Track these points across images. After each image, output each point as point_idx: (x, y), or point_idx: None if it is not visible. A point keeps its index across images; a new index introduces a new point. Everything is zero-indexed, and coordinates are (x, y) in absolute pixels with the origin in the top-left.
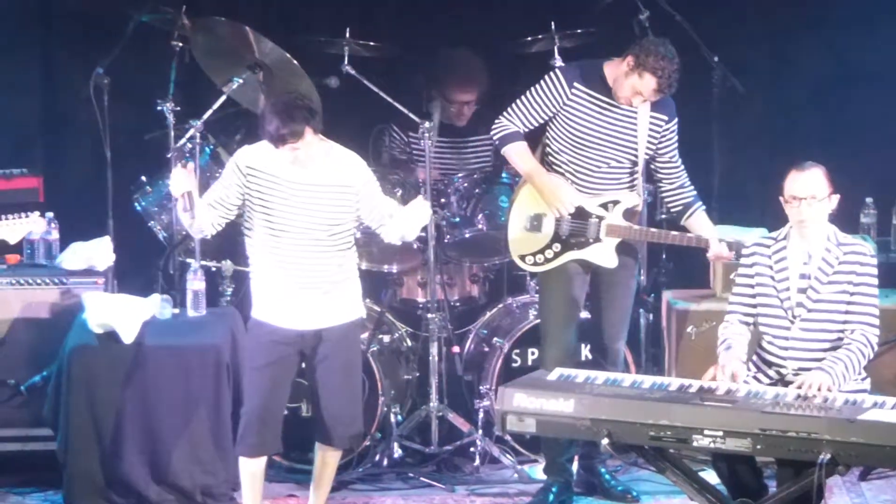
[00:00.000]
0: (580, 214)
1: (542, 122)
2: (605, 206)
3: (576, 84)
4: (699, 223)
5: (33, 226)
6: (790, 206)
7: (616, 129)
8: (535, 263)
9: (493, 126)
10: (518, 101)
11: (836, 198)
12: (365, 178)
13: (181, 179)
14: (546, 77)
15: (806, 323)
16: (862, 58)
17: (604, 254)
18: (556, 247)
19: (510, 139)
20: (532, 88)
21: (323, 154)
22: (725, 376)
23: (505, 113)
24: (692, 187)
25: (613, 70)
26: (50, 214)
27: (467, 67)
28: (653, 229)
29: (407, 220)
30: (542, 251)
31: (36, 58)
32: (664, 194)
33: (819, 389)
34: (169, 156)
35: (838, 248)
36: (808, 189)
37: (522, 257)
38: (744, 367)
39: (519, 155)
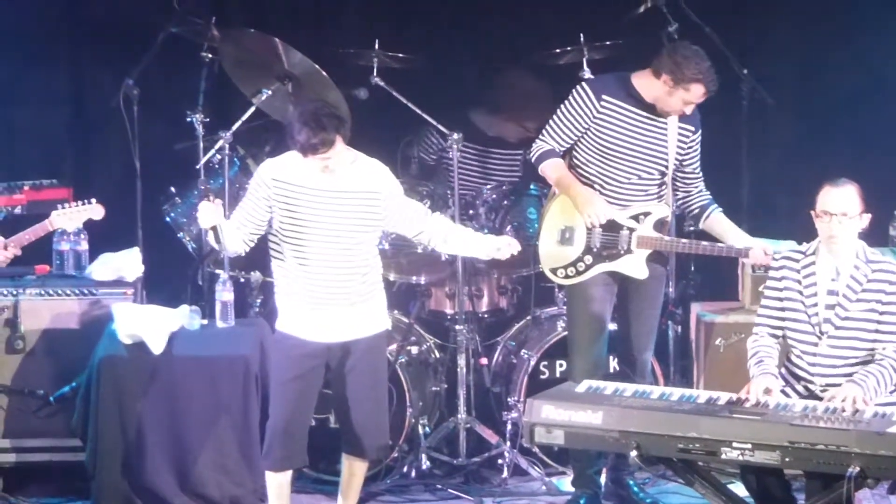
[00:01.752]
0: (611, 226)
1: (576, 138)
2: (635, 217)
3: (604, 96)
4: (720, 224)
5: (92, 213)
6: (821, 220)
7: (646, 140)
8: (567, 276)
9: (531, 149)
10: (550, 121)
11: (868, 217)
12: (391, 185)
13: (209, 213)
14: (574, 92)
15: (833, 340)
16: (892, 70)
17: (635, 265)
18: (588, 259)
19: (545, 157)
20: (561, 106)
21: (349, 162)
22: (759, 392)
23: (540, 135)
24: (707, 192)
25: (646, 84)
26: (79, 225)
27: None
28: (683, 240)
29: (484, 244)
30: (573, 264)
31: (66, 68)
32: (680, 200)
33: (854, 402)
34: (200, 188)
35: (867, 266)
36: (841, 206)
37: (554, 270)
38: (777, 383)
39: (553, 169)
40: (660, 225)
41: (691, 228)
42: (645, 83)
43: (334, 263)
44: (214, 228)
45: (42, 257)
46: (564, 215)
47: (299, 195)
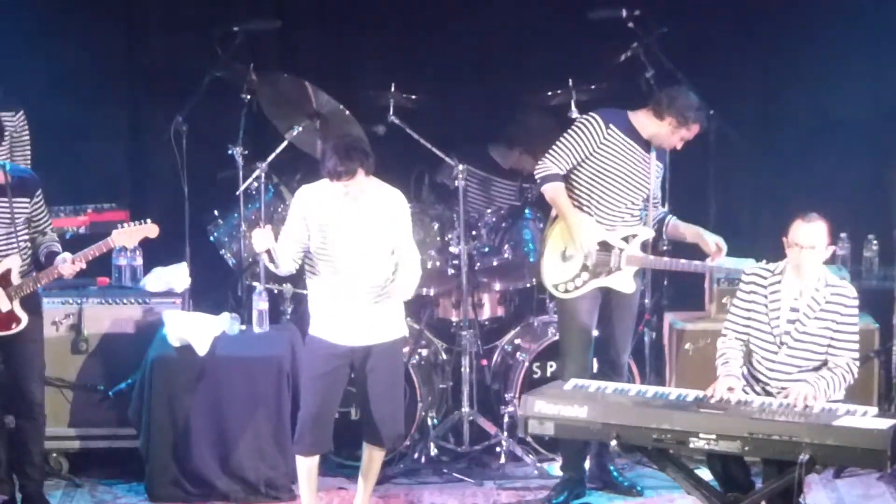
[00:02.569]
0: (604, 247)
1: (579, 161)
2: (625, 238)
3: (611, 125)
4: (677, 229)
5: (148, 231)
6: (792, 250)
7: (636, 170)
8: (567, 290)
9: (537, 167)
10: (557, 144)
11: (833, 249)
12: (402, 210)
13: (262, 239)
14: (583, 120)
15: (791, 350)
16: (842, 111)
17: (624, 280)
18: (585, 276)
19: (549, 179)
20: (569, 132)
21: (370, 189)
22: (723, 390)
23: (547, 155)
24: (663, 209)
25: (643, 122)
26: (136, 242)
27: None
28: (665, 258)
29: (399, 282)
30: (572, 280)
31: (124, 107)
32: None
33: (805, 399)
34: (250, 217)
35: (826, 289)
36: (811, 240)
37: (555, 285)
38: (740, 382)
39: (555, 194)
40: (645, 245)
41: (665, 248)
42: (642, 121)
43: (358, 276)
44: (268, 251)
45: (103, 271)
46: (564, 238)
47: (328, 216)
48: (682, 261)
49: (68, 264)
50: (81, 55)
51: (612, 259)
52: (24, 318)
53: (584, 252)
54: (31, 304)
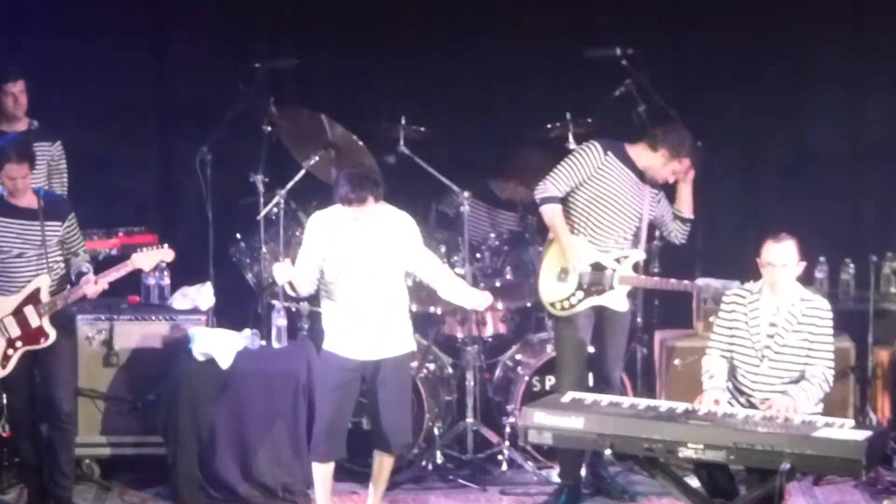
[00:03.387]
0: (597, 267)
1: (577, 184)
2: (618, 260)
3: (609, 153)
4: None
5: (164, 256)
6: (766, 269)
7: (630, 197)
8: (563, 308)
9: (537, 187)
10: (558, 167)
11: (803, 264)
12: (413, 234)
13: (283, 271)
14: (584, 146)
15: (772, 363)
16: (819, 144)
17: (616, 299)
18: (580, 294)
19: (548, 200)
20: (569, 157)
21: (381, 214)
22: (710, 403)
23: (547, 177)
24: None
25: (638, 154)
26: (163, 264)
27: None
28: (655, 278)
29: (468, 297)
30: (567, 298)
31: (153, 139)
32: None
33: (786, 411)
34: (267, 255)
35: (802, 304)
36: (782, 259)
37: (552, 304)
38: (725, 395)
39: (552, 215)
40: (636, 267)
41: (656, 270)
42: (638, 153)
43: (368, 295)
44: (290, 282)
45: (133, 290)
46: (560, 259)
47: (340, 240)
48: (672, 280)
49: (91, 284)
50: (114, 91)
51: (606, 279)
52: (53, 334)
53: (577, 272)
54: (62, 320)
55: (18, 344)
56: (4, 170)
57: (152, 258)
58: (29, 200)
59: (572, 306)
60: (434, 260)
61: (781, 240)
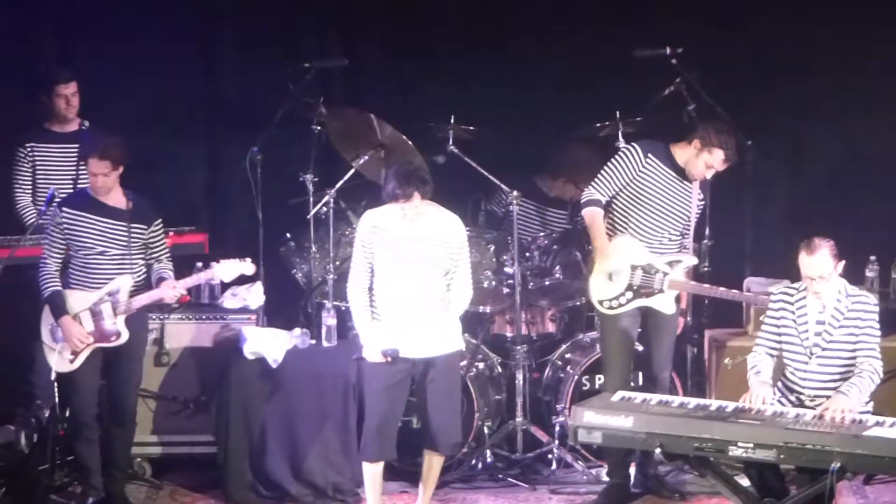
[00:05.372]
0: (649, 269)
1: (619, 188)
2: (670, 263)
3: (649, 155)
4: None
5: (245, 269)
6: (804, 279)
7: (676, 198)
8: (611, 307)
9: (584, 194)
10: (601, 172)
11: (842, 263)
12: (461, 237)
13: (373, 354)
14: (624, 150)
15: (821, 359)
16: (869, 142)
17: (665, 302)
18: (629, 294)
19: (591, 204)
20: (610, 161)
21: (430, 213)
22: (756, 400)
23: (592, 183)
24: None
25: (681, 153)
26: (233, 277)
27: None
28: (706, 285)
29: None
30: (616, 297)
31: (204, 138)
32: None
33: (843, 412)
34: (308, 217)
35: (847, 299)
36: (818, 271)
37: (601, 302)
38: (770, 392)
39: (592, 218)
40: (687, 272)
41: (706, 269)
42: (680, 151)
43: (417, 293)
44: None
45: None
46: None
47: (386, 238)
48: (721, 289)
49: (169, 289)
50: (164, 92)
51: (656, 281)
52: (125, 334)
53: (619, 273)
54: (136, 322)
55: (90, 340)
56: (87, 164)
57: (233, 270)
58: (117, 200)
59: (620, 305)
60: (466, 270)
61: (814, 250)
